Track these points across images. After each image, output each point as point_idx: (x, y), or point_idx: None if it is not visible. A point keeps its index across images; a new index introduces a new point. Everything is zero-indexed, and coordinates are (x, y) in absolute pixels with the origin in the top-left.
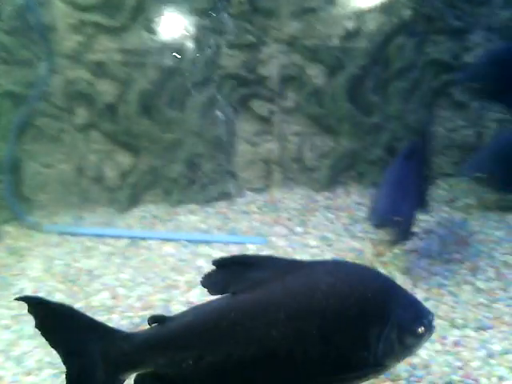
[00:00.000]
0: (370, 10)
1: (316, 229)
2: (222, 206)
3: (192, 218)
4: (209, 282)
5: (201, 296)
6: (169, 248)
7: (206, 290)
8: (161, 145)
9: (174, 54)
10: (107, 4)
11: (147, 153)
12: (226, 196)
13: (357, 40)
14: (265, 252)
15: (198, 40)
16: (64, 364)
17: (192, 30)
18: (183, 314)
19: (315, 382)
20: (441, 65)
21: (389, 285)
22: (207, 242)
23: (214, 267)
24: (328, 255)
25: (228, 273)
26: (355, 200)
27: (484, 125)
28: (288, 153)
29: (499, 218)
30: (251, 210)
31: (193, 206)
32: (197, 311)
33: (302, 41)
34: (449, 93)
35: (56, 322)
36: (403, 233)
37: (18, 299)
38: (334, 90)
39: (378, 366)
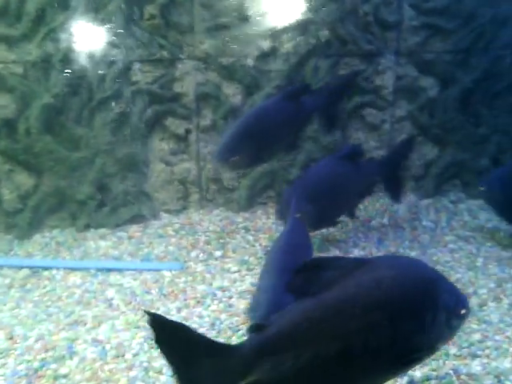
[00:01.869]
0: (286, 30)
1: (236, 252)
2: (135, 229)
3: (102, 244)
4: (293, 287)
5: (110, 332)
6: (75, 278)
7: (116, 325)
8: (66, 164)
9: (66, 70)
10: (4, 11)
11: (51, 173)
12: (139, 219)
13: (272, 60)
14: (182, 279)
15: (106, 53)
16: (175, 377)
17: (100, 42)
18: (276, 320)
19: (385, 369)
20: (354, 87)
21: (435, 273)
22: (119, 270)
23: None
24: (249, 280)
25: (306, 276)
26: (275, 221)
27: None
28: (206, 173)
29: (413, 237)
30: (167, 234)
31: (103, 231)
32: (287, 315)
33: (217, 58)
34: (361, 115)
35: (172, 337)
36: (311, 223)
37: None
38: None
39: (432, 349)
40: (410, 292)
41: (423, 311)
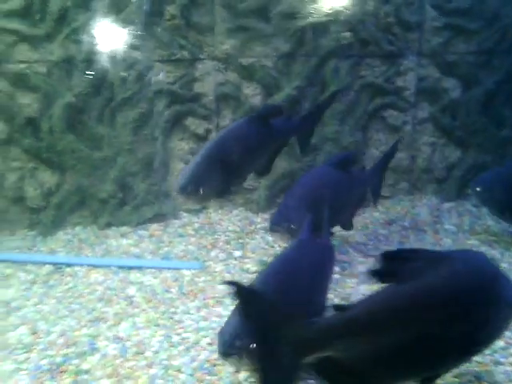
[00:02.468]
0: (307, 31)
1: (255, 253)
2: (155, 228)
3: (123, 242)
4: (378, 273)
5: (131, 329)
6: (97, 275)
7: (137, 323)
8: (88, 163)
9: (87, 72)
10: (28, 11)
11: (74, 171)
12: (160, 218)
13: (292, 61)
14: (202, 278)
15: (127, 54)
16: (256, 345)
17: (122, 42)
18: (359, 303)
19: (453, 359)
20: (375, 88)
21: (496, 267)
22: (139, 268)
23: (382, 260)
24: None
25: (392, 265)
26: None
27: (417, 148)
28: None
29: (435, 241)
30: (187, 233)
31: (124, 229)
32: (369, 300)
33: (237, 59)
34: (382, 116)
35: (255, 308)
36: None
37: (226, 283)
38: None
39: (493, 340)
40: (481, 285)
41: (490, 304)
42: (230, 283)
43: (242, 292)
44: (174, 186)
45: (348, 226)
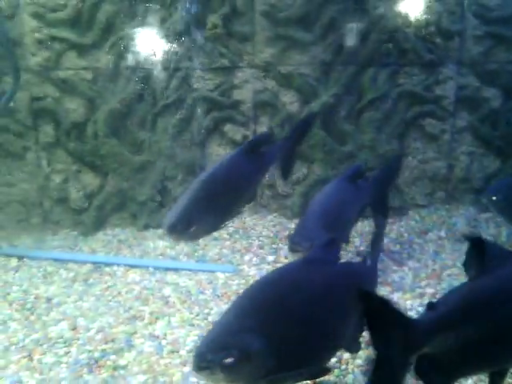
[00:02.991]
0: (345, 39)
1: (288, 258)
2: None
3: (160, 244)
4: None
5: (166, 328)
6: (134, 275)
7: (172, 322)
8: (129, 167)
9: (136, 79)
10: (77, 20)
11: (115, 174)
12: None
13: (331, 69)
14: (235, 281)
15: (170, 61)
16: (373, 344)
17: (165, 50)
18: (447, 299)
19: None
20: (413, 96)
21: None
22: (175, 270)
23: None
24: None
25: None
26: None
27: (456, 157)
28: None
29: None
30: (222, 237)
31: (162, 231)
32: (457, 295)
33: (276, 67)
34: (421, 124)
35: (376, 310)
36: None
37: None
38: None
39: None
40: None
41: None
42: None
43: (366, 297)
44: (162, 224)
45: (346, 238)
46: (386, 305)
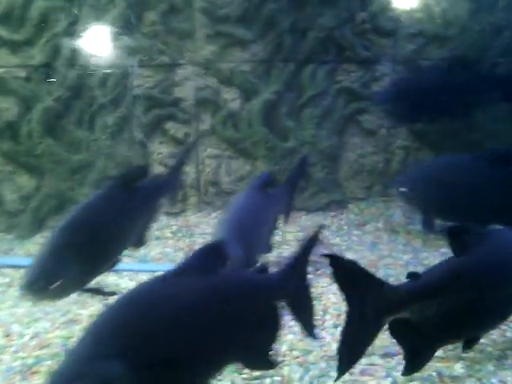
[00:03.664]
0: (284, 36)
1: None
2: None
3: None
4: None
5: None
6: None
7: None
8: (67, 166)
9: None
10: (9, 16)
11: (52, 175)
12: None
13: (270, 66)
14: None
15: (108, 58)
16: (347, 304)
17: (102, 47)
18: (430, 271)
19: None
20: (351, 93)
21: None
22: (115, 271)
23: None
24: None
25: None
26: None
27: (392, 151)
28: (204, 176)
29: (406, 241)
30: (165, 236)
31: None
32: (436, 269)
33: (216, 64)
34: (358, 120)
35: (347, 274)
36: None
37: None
38: (249, 115)
39: None
40: None
41: None
42: (327, 256)
43: (337, 261)
44: (19, 282)
45: (270, 248)
46: (357, 268)
